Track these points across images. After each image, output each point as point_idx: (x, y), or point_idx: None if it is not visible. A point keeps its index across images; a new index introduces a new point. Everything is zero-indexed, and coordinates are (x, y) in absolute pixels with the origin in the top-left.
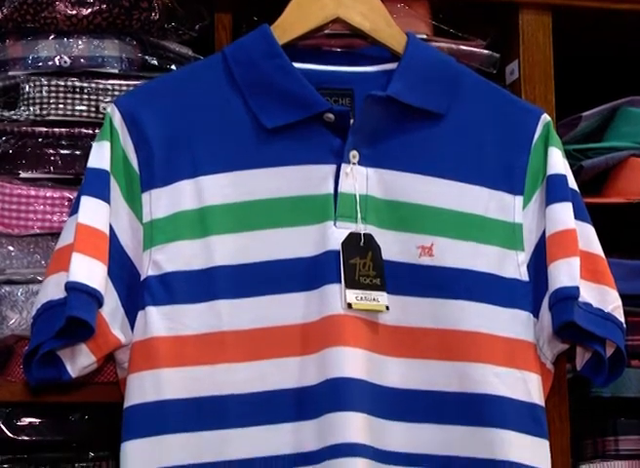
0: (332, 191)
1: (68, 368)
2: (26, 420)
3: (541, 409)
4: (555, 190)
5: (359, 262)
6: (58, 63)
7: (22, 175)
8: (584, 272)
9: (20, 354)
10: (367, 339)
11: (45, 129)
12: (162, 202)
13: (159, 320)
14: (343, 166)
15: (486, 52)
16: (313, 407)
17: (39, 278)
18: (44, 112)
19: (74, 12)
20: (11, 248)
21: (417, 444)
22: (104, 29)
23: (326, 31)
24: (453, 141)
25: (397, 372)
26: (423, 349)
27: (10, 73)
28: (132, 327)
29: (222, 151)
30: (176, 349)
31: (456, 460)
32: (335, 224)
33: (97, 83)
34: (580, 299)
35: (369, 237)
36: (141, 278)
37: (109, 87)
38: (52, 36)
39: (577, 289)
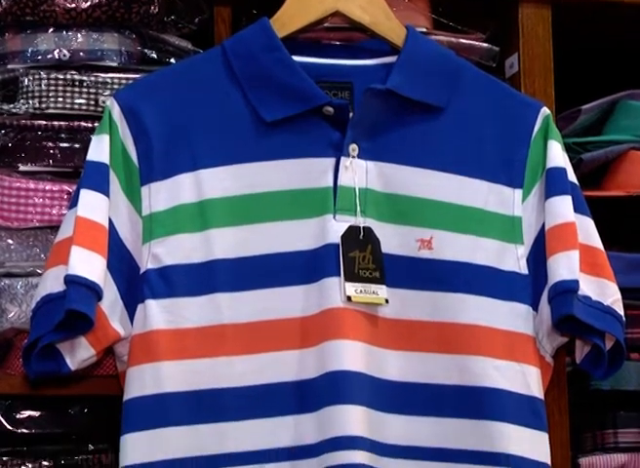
0: (331, 184)
1: (68, 361)
2: (26, 413)
3: (541, 402)
4: (555, 183)
5: (358, 255)
6: (57, 57)
7: (22, 168)
8: (584, 265)
9: (20, 347)
10: (366, 332)
11: (44, 122)
12: (161, 195)
13: (159, 313)
14: (343, 159)
15: (485, 45)
16: (313, 400)
17: (38, 271)
18: (43, 105)
19: (73, 5)
20: (10, 241)
21: (416, 436)
22: (104, 22)
23: (325, 24)
24: (452, 135)
25: (396, 365)
26: (423, 342)
27: (9, 66)
28: (131, 320)
29: (222, 144)
30: (175, 342)
31: (455, 453)
32: (334, 217)
33: (96, 76)
34: (580, 292)
35: (368, 230)
36: (141, 271)
37: (109, 80)
38: (51, 29)
39: (576, 282)
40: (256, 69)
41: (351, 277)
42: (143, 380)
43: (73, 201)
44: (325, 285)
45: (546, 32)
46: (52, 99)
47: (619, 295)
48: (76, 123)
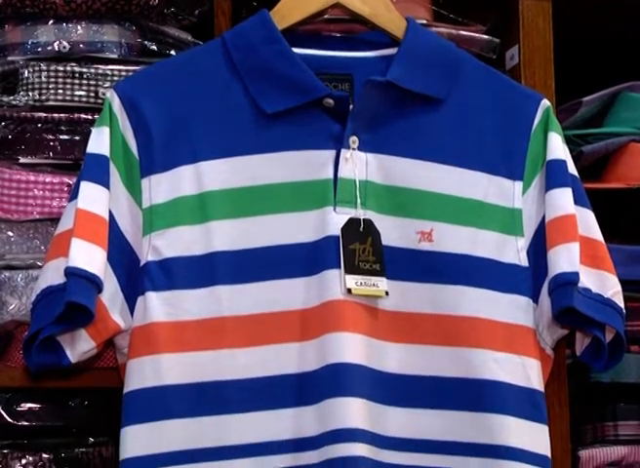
0: (331, 176)
1: (68, 353)
2: (26, 406)
3: (541, 394)
4: (555, 175)
5: (359, 248)
6: (57, 49)
7: (22, 160)
8: (584, 257)
9: (20, 339)
10: (366, 325)
11: (44, 114)
12: (162, 187)
13: (159, 305)
14: (343, 151)
15: (486, 37)
16: (313, 392)
17: (39, 263)
18: (43, 97)
19: None
20: (10, 233)
21: (416, 429)
22: (104, 14)
23: (325, 16)
24: (452, 127)
25: (396, 358)
26: (423, 334)
27: (9, 58)
28: (131, 312)
29: (222, 136)
30: (175, 334)
31: (455, 445)
32: (334, 210)
33: (96, 68)
34: (580, 285)
35: (368, 222)
36: (141, 263)
37: (108, 72)
38: (51, 21)
39: (576, 274)
40: (256, 61)
41: (351, 269)
42: (144, 373)
43: (73, 193)
44: (325, 277)
45: (547, 24)
46: (52, 91)
47: (619, 288)
48: (76, 115)
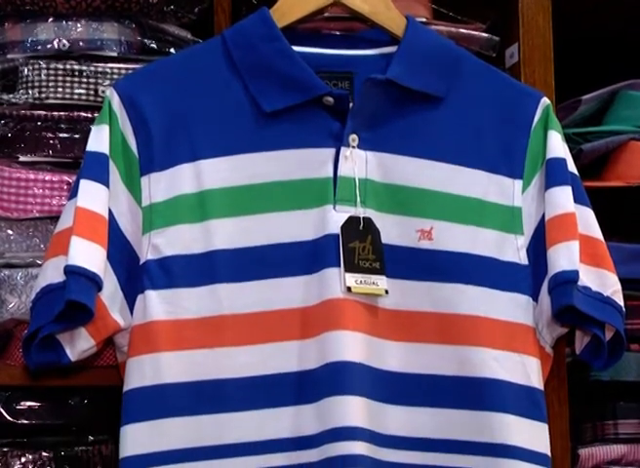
0: (331, 175)
1: (68, 351)
2: (26, 404)
3: (541, 392)
4: (555, 174)
5: (358, 246)
6: (56, 46)
7: (21, 158)
8: (584, 256)
9: (20, 338)
10: (366, 323)
11: (44, 112)
12: (161, 186)
13: (159, 304)
14: (343, 149)
15: (485, 35)
16: (313, 390)
17: (38, 262)
18: (43, 95)
19: None
20: (10, 231)
21: (415, 427)
22: (103, 12)
23: (325, 14)
24: (452, 125)
25: (396, 356)
26: (422, 333)
27: (8, 56)
28: (131, 310)
29: (222, 135)
30: (175, 333)
31: (454, 444)
32: (334, 208)
33: (95, 66)
34: (580, 283)
35: (368, 221)
36: (141, 262)
37: (108, 70)
38: (50, 19)
39: (576, 272)
40: (255, 59)
41: (351, 267)
42: (143, 371)
43: (73, 191)
44: (325, 275)
45: (547, 22)
46: (51, 89)
47: (619, 286)
48: (76, 113)
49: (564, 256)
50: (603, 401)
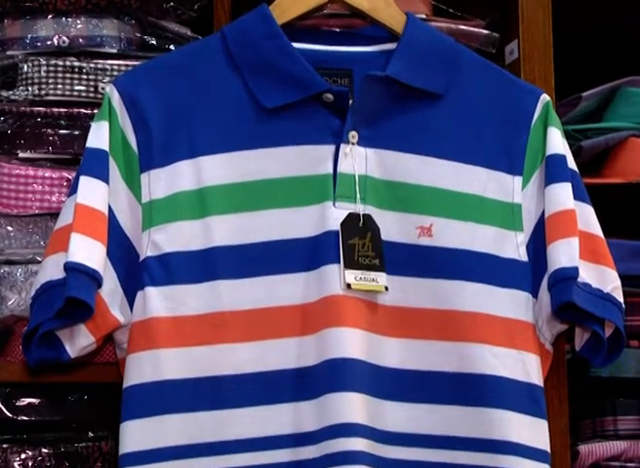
0: (331, 171)
1: (67, 348)
2: (26, 400)
3: (540, 389)
4: (554, 170)
5: (358, 243)
6: (56, 43)
7: (21, 154)
8: (584, 252)
9: (20, 334)
10: (366, 320)
11: (43, 109)
12: (161, 182)
13: (158, 300)
14: (342, 146)
15: (485, 31)
16: (312, 387)
17: (38, 258)
18: (42, 92)
19: None
20: (10, 228)
21: (415, 424)
22: (103, 9)
23: (325, 11)
24: (452, 122)
25: (396, 353)
26: (422, 329)
27: (8, 53)
28: (131, 307)
29: (221, 131)
30: (175, 329)
31: (454, 440)
32: (334, 205)
33: (95, 63)
34: (580, 280)
35: (368, 217)
36: (140, 258)
37: (108, 67)
38: (50, 16)
39: (576, 269)
40: (255, 56)
41: (351, 264)
42: (143, 368)
43: (73, 188)
44: (325, 272)
45: (546, 19)
46: (51, 86)
47: (618, 283)
48: (75, 110)
49: (564, 253)
50: (603, 397)
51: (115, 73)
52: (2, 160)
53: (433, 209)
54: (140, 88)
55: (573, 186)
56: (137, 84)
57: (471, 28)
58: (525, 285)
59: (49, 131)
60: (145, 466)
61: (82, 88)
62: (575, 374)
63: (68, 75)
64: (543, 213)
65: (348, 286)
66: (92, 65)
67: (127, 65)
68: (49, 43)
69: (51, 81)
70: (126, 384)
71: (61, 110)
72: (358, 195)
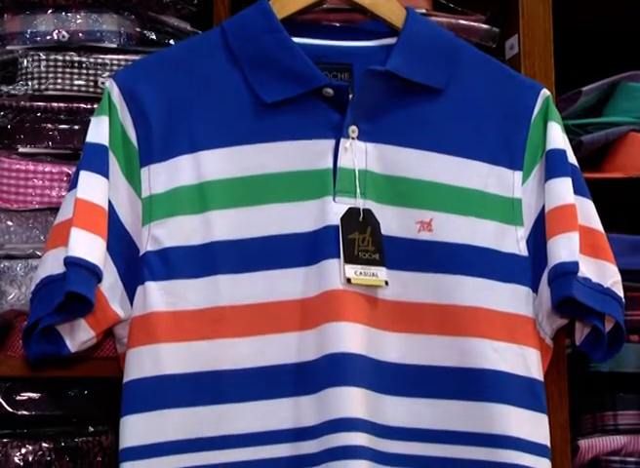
0: (331, 166)
1: (67, 342)
2: (26, 395)
3: (540, 384)
4: (555, 165)
5: (358, 237)
6: (56, 38)
7: (21, 149)
8: (584, 247)
9: (20, 329)
10: (366, 314)
11: (43, 103)
12: (161, 177)
13: (158, 295)
14: (342, 141)
15: (485, 26)
16: (312, 382)
17: (38, 253)
18: (42, 87)
19: None
20: (10, 223)
21: (415, 418)
22: (103, 3)
23: (325, 6)
24: (452, 116)
25: (396, 347)
26: (422, 324)
27: (8, 48)
28: (131, 302)
29: (221, 126)
30: (175, 324)
31: (454, 435)
32: (334, 199)
33: (95, 57)
34: (580, 274)
35: (368, 212)
36: (140, 253)
37: (108, 61)
38: (50, 10)
39: (576, 264)
40: (255, 51)
41: (351, 259)
42: (143, 362)
43: (73, 183)
44: (325, 267)
45: (547, 13)
46: (51, 81)
47: (618, 277)
48: (75, 104)
49: (564, 248)
50: (603, 392)
51: (115, 68)
52: (2, 155)
53: (433, 203)
54: (140, 82)
55: (573, 181)
56: (136, 79)
57: (471, 23)
58: (525, 279)
59: (49, 125)
60: (146, 461)
61: (82, 82)
62: (575, 369)
63: (68, 70)
64: (544, 207)
65: (348, 280)
66: (91, 60)
67: (127, 60)
68: (48, 38)
69: (50, 76)
70: (126, 379)
71: (61, 105)
72: (358, 190)
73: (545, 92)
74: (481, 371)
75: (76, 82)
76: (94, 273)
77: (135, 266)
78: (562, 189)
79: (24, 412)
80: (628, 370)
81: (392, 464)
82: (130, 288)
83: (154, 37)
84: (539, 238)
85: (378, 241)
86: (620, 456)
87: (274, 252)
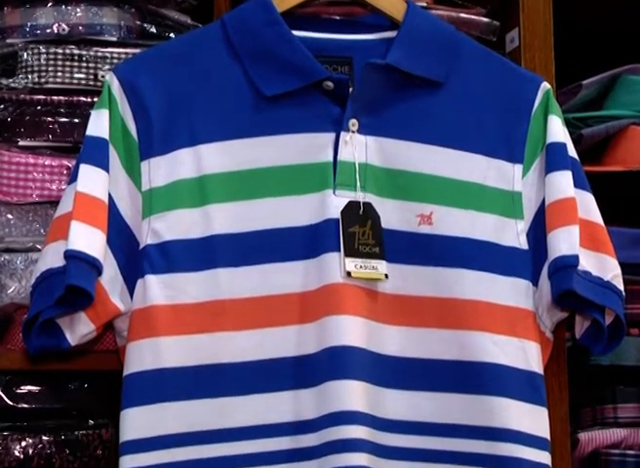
0: (331, 159)
1: (67, 336)
2: (26, 388)
3: (540, 377)
4: (555, 158)
5: (358, 231)
6: (56, 31)
7: (21, 142)
8: (584, 240)
9: (20, 322)
10: (366, 308)
11: (43, 96)
12: (161, 170)
13: (158, 288)
14: (343, 134)
15: (486, 19)
16: (312, 375)
17: (38, 246)
18: (42, 80)
19: None
20: (10, 216)
21: (416, 412)
22: None
23: None
24: (452, 110)
25: (396, 341)
26: (423, 317)
27: (8, 41)
28: (131, 295)
29: (221, 119)
30: (175, 317)
31: (454, 428)
32: (334, 193)
33: (95, 51)
34: (580, 268)
35: (368, 205)
36: (140, 246)
37: (108, 55)
38: (50, 3)
39: (576, 257)
40: (255, 44)
41: (351, 252)
42: (143, 356)
43: (73, 176)
44: (325, 260)
45: (547, 7)
46: (51, 74)
47: (619, 271)
48: (75, 98)
49: (564, 241)
50: (603, 385)
51: (115, 61)
52: (2, 148)
53: (433, 197)
54: (140, 76)
55: (573, 174)
56: (137, 72)
57: (472, 16)
58: (525, 273)
59: (49, 119)
60: (146, 454)
61: (82, 76)
62: (575, 362)
63: (68, 63)
64: (544, 200)
65: (348, 274)
66: (91, 53)
67: (127, 53)
68: (48, 31)
69: (50, 69)
70: (126, 372)
71: (61, 98)
72: (358, 183)
73: (546, 85)
74: (481, 365)
75: (76, 75)
76: (94, 266)
77: (135, 259)
78: (562, 182)
79: (25, 405)
80: (628, 363)
81: (392, 457)
82: (130, 281)
83: (154, 30)
84: (539, 231)
85: (378, 234)
86: (620, 449)
87: (274, 245)
